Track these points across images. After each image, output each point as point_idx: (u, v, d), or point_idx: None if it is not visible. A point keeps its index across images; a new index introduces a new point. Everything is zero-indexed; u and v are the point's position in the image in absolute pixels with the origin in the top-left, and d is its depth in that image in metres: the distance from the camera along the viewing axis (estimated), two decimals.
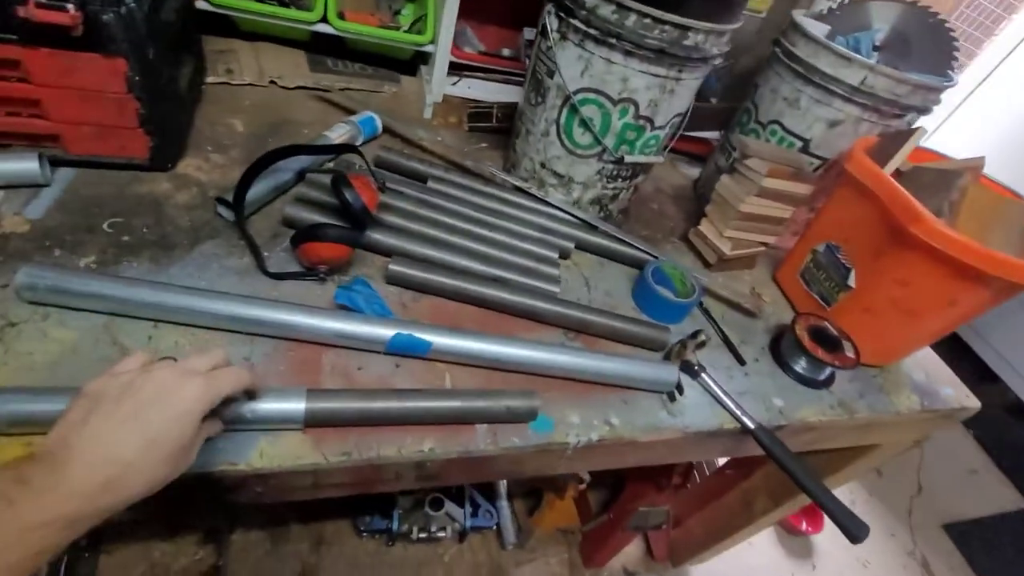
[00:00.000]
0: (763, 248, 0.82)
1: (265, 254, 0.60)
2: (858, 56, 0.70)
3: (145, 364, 0.36)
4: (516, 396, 0.52)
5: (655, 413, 0.59)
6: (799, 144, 0.79)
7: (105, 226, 0.57)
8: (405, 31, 0.92)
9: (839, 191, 0.72)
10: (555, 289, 0.65)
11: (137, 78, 0.56)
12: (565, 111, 0.69)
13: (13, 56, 0.51)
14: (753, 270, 0.85)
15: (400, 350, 0.54)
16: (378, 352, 0.54)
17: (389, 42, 0.90)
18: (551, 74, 0.68)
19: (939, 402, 0.74)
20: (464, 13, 1.04)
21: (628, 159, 0.72)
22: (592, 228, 0.77)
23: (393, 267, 0.60)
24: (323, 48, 0.95)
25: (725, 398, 0.61)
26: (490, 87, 1.01)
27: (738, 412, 0.60)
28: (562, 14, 0.63)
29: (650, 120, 0.69)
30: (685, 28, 0.59)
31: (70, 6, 0.49)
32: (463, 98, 1.01)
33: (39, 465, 0.29)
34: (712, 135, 1.07)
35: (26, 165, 0.56)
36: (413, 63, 1.02)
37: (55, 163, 0.61)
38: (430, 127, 0.92)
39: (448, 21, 0.88)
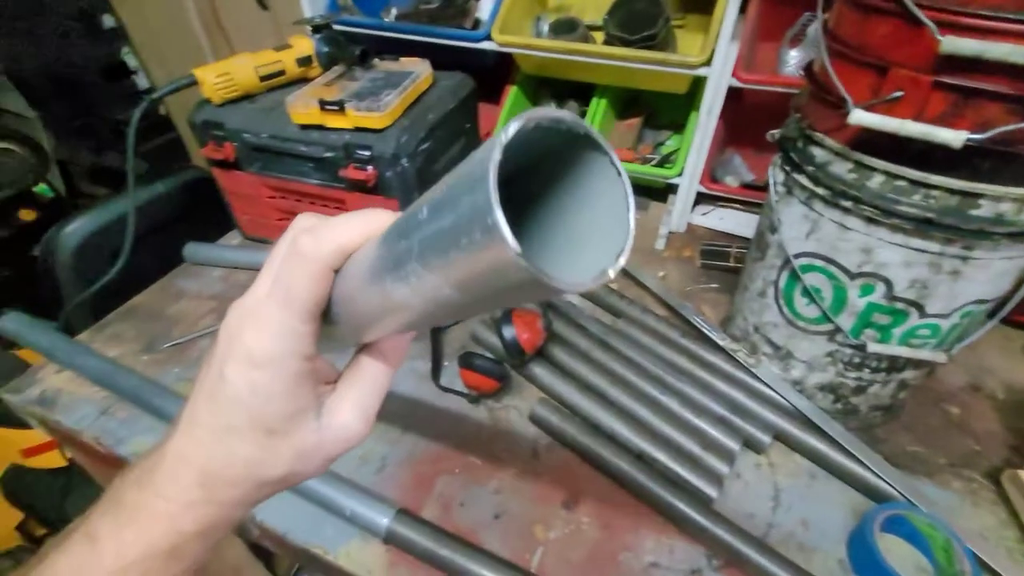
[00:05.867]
0: None
1: (445, 363, 0.68)
2: None
3: None
4: None
5: None
6: None
7: None
8: (654, 164, 0.92)
9: None
10: (712, 493, 0.51)
11: None
12: (785, 274, 0.56)
13: (340, 197, 0.76)
14: None
15: None
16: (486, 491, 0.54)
17: (637, 174, 0.92)
18: (773, 229, 0.56)
19: None
20: (735, 141, 0.98)
21: (875, 349, 0.52)
22: (810, 424, 0.58)
23: (538, 409, 0.60)
24: None
25: None
26: (744, 220, 0.91)
27: None
28: (787, 168, 0.52)
29: (917, 305, 0.48)
30: (973, 195, 0.40)
31: (369, 168, 0.70)
32: (712, 230, 0.93)
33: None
34: None
35: None
36: (667, 191, 1.00)
37: None
38: (659, 258, 0.88)
39: (697, 154, 0.84)
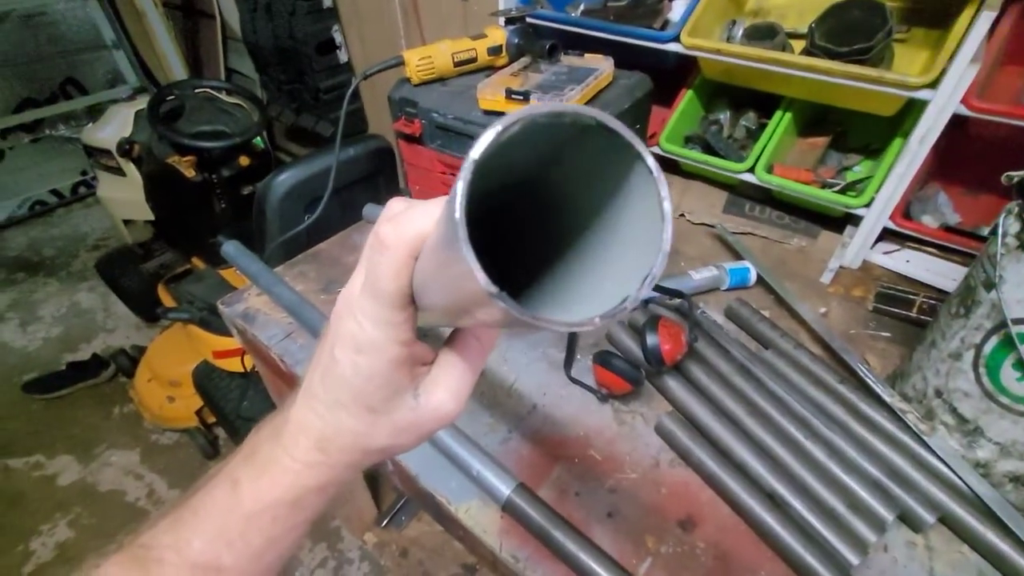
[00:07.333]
0: None
1: (578, 357, 0.70)
2: None
3: None
4: None
5: None
6: None
7: None
8: (836, 190, 0.84)
9: None
10: (852, 559, 0.47)
11: None
12: (994, 340, 0.48)
13: None
14: None
15: None
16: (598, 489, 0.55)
17: (813, 199, 0.84)
18: (988, 286, 0.49)
19: None
20: (943, 176, 0.86)
21: None
22: (990, 515, 0.49)
23: (664, 421, 0.59)
24: (749, 193, 0.98)
25: None
26: (938, 268, 0.79)
27: None
28: None
29: None
30: None
31: None
32: (893, 272, 0.83)
33: None
34: None
35: None
36: (844, 221, 0.91)
37: None
38: (823, 292, 0.80)
39: (894, 186, 0.75)
